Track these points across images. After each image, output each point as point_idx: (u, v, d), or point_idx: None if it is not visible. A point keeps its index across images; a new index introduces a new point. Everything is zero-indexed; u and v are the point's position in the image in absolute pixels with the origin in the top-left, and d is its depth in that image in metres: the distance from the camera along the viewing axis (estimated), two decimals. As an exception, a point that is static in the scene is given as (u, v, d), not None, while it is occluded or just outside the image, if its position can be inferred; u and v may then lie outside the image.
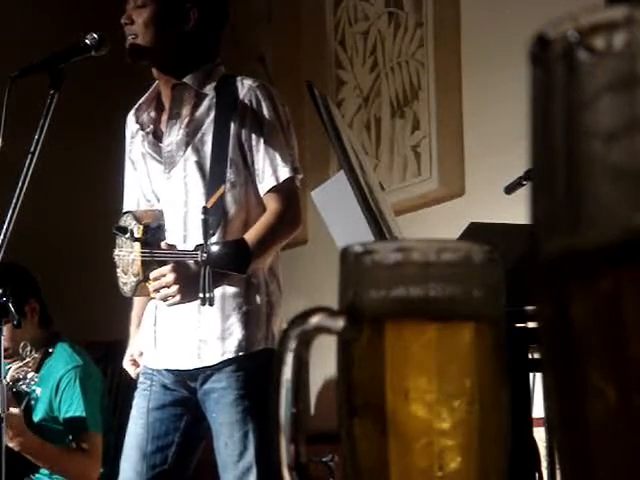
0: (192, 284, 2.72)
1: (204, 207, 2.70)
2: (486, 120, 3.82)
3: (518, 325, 1.89)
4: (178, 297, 2.76)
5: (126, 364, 3.09)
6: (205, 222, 2.67)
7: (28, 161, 2.58)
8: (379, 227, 1.92)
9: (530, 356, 1.95)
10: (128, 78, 5.20)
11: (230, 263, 2.66)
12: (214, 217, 2.74)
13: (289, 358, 0.62)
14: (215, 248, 2.64)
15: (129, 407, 3.98)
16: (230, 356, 2.81)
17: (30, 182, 2.58)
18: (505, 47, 3.61)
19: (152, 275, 2.80)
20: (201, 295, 2.64)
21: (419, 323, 0.62)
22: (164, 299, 2.79)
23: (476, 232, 2.02)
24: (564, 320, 0.38)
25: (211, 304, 2.65)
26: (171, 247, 2.83)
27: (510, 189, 2.97)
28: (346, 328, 0.62)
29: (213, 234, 2.73)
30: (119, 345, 4.15)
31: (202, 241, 2.71)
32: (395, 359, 0.62)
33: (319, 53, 4.59)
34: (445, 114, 3.98)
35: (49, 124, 2.62)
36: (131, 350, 3.08)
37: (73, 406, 3.74)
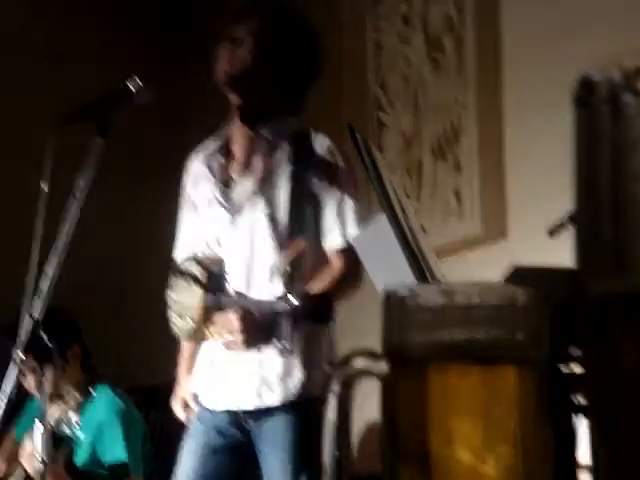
0: (257, 333, 2.75)
1: (288, 258, 2.73)
2: (528, 162, 3.80)
3: (562, 368, 1.87)
4: (242, 345, 2.78)
5: (176, 407, 3.08)
6: (288, 273, 2.70)
7: (74, 207, 2.60)
8: (421, 270, 1.91)
9: (574, 400, 1.93)
10: (177, 127, 5.26)
11: (313, 315, 2.68)
12: (295, 268, 2.76)
13: (333, 401, 0.62)
14: (297, 300, 2.66)
15: (171, 452, 3.96)
16: (290, 397, 2.81)
17: (75, 228, 2.60)
18: (547, 89, 3.60)
19: (217, 319, 2.81)
20: (280, 346, 2.67)
21: (463, 366, 0.62)
22: (227, 345, 2.80)
23: (519, 275, 2.00)
24: (610, 362, 0.38)
25: (290, 355, 2.69)
26: (239, 295, 2.85)
27: (553, 232, 2.94)
28: (389, 371, 0.62)
29: (293, 285, 2.75)
30: (161, 389, 4.15)
31: (267, 289, 2.77)
32: (439, 402, 0.61)
33: (360, 96, 4.61)
34: (487, 157, 3.97)
35: (97, 170, 2.64)
36: (182, 393, 3.07)
37: (115, 451, 3.74)
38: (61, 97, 4.31)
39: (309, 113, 3.14)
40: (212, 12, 5.33)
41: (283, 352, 2.66)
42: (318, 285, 2.82)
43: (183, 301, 2.91)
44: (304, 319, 2.68)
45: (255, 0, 3.06)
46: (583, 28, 3.50)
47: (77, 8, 5.31)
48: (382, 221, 2.03)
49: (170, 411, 3.89)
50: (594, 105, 0.37)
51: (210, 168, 3.02)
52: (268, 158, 2.94)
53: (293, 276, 2.72)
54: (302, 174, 2.89)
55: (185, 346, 3.08)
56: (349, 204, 2.88)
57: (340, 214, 2.88)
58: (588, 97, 0.37)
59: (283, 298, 2.68)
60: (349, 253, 2.80)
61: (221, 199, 2.96)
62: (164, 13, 5.47)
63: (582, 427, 2.21)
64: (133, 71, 2.84)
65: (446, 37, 4.20)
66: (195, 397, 3.00)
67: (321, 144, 2.93)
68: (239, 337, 2.76)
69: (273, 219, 2.88)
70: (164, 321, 3.10)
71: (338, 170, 2.90)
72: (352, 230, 2.86)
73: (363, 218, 2.88)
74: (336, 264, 2.87)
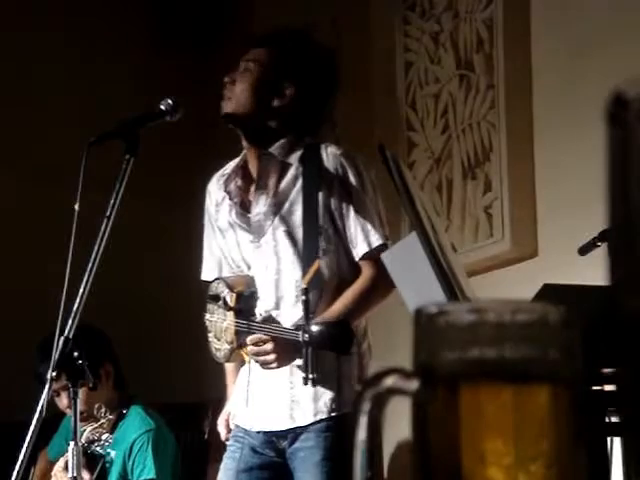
0: (289, 352, 2.78)
1: (305, 289, 2.72)
2: (558, 180, 3.79)
3: (595, 387, 1.86)
4: (275, 364, 2.81)
5: (220, 424, 3.12)
6: (306, 303, 2.70)
7: (104, 225, 2.62)
8: (451, 288, 1.90)
9: (607, 419, 1.92)
10: (206, 144, 5.28)
11: (333, 344, 2.69)
12: (313, 293, 2.77)
13: (363, 420, 0.62)
14: (317, 329, 2.66)
15: (202, 472, 3.97)
16: (322, 416, 2.84)
17: (107, 245, 2.62)
18: (577, 107, 3.59)
19: (250, 340, 2.84)
20: (304, 375, 2.67)
21: (494, 385, 0.61)
22: (262, 364, 2.82)
23: (550, 293, 2.00)
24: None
25: (314, 384, 2.68)
26: (267, 320, 2.87)
27: (584, 250, 2.93)
28: (420, 390, 0.62)
29: (314, 312, 2.76)
30: (194, 408, 4.16)
31: (296, 308, 2.80)
32: (470, 421, 0.61)
33: (390, 116, 4.61)
34: (517, 175, 3.96)
35: (127, 187, 2.65)
36: (227, 410, 3.12)
37: (145, 470, 3.75)
38: (93, 116, 4.35)
39: (339, 133, 3.16)
40: (241, 28, 5.37)
41: (308, 381, 2.67)
42: (347, 298, 2.84)
43: (218, 323, 2.95)
44: (324, 349, 2.68)
45: (273, 29, 3.10)
46: (615, 43, 3.49)
47: (110, 29, 5.35)
48: (412, 238, 2.03)
49: (202, 431, 3.89)
50: (627, 122, 0.37)
51: (228, 192, 3.05)
52: (280, 177, 2.96)
53: (309, 303, 2.72)
54: (313, 190, 2.91)
55: (229, 367, 3.13)
56: (366, 214, 2.91)
57: (359, 224, 2.90)
58: (621, 114, 0.37)
59: (302, 327, 2.68)
60: (376, 258, 2.84)
61: (241, 223, 2.99)
62: (194, 29, 5.50)
63: (615, 447, 2.19)
64: (164, 91, 2.87)
65: (476, 55, 4.20)
66: (233, 417, 3.05)
67: (330, 157, 2.94)
68: (271, 357, 2.79)
69: (293, 238, 2.90)
70: (199, 341, 3.13)
71: (350, 182, 2.92)
72: (375, 238, 2.88)
73: (383, 226, 2.92)
74: (365, 272, 2.90)
